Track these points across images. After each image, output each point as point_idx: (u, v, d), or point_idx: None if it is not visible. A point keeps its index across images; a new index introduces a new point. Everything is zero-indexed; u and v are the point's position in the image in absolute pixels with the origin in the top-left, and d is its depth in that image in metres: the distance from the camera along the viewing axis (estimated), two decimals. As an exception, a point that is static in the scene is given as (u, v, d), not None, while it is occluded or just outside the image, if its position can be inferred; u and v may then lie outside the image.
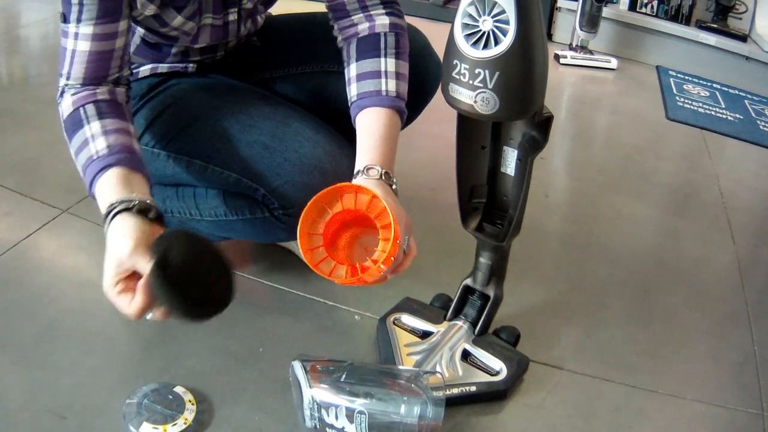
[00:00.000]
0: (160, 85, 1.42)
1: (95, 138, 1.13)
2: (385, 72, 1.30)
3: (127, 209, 1.05)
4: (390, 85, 1.29)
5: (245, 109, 1.35)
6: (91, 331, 1.41)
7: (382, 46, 1.31)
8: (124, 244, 1.02)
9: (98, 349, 1.37)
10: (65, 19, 1.15)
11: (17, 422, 1.20)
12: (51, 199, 1.79)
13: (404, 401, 1.15)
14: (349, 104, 1.32)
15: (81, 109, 1.16)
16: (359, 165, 1.22)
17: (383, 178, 1.21)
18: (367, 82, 1.30)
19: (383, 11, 1.34)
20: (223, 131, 1.32)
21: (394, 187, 1.22)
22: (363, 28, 1.34)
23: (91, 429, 1.20)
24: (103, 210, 1.07)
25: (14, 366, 1.31)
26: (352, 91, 1.31)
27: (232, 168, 1.31)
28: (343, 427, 1.17)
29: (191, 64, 1.46)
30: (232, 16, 1.37)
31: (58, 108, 1.21)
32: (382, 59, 1.30)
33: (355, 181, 1.19)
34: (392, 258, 1.08)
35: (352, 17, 1.34)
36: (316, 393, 1.17)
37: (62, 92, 1.20)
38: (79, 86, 1.18)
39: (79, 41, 1.15)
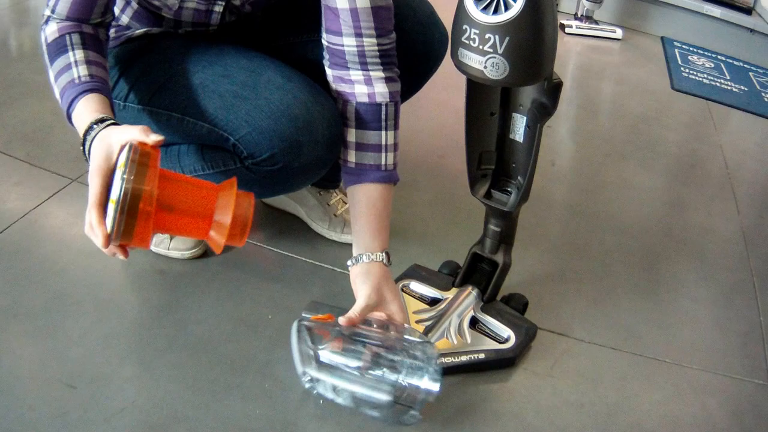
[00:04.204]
0: (151, 45, 1.42)
1: (78, 64, 1.18)
2: (386, 146, 1.32)
3: (115, 124, 1.10)
4: (389, 159, 1.33)
5: (221, 60, 1.34)
6: (101, 299, 1.41)
7: (383, 117, 1.31)
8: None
9: (108, 317, 1.38)
10: None
11: (27, 392, 1.20)
12: (61, 169, 1.78)
13: (404, 370, 1.15)
14: (342, 165, 1.35)
15: (67, 36, 1.20)
16: (362, 248, 1.30)
17: (383, 261, 1.29)
18: (368, 155, 1.32)
19: (382, 74, 1.31)
20: (199, 83, 1.32)
21: (389, 267, 1.31)
22: (361, 92, 1.31)
23: (101, 398, 1.20)
24: (91, 119, 1.11)
25: (24, 335, 1.32)
26: (351, 157, 1.33)
27: (204, 119, 1.31)
28: (335, 397, 1.19)
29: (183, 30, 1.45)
30: (218, 8, 1.36)
31: (41, 33, 1.24)
32: (383, 132, 1.32)
33: (356, 264, 1.29)
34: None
35: (350, 71, 1.31)
36: (310, 367, 1.18)
37: (47, 20, 1.23)
38: (63, 19, 1.22)
39: None
